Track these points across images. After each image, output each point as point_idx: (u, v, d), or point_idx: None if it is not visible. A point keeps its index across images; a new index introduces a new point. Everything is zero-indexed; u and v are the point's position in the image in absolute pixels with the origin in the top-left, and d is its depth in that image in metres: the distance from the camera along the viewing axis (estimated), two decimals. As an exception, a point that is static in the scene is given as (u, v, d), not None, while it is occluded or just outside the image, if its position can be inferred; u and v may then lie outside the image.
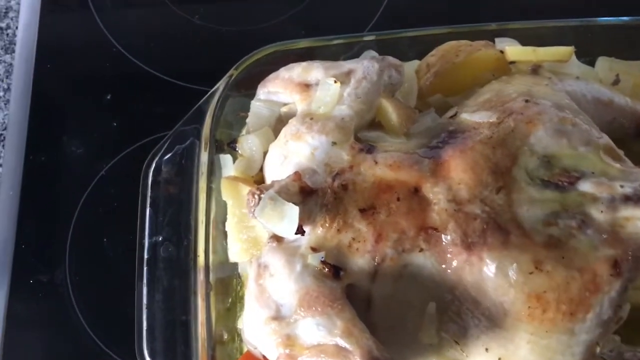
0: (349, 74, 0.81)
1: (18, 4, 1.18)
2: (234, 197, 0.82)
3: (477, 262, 0.68)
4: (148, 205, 0.85)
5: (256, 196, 0.71)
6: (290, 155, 0.77)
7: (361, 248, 0.70)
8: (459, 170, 0.71)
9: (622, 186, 0.70)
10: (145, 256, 0.82)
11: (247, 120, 0.87)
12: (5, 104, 1.10)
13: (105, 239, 0.99)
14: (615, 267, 0.67)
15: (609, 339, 0.71)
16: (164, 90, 1.09)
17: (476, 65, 0.86)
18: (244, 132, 0.88)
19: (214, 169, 0.85)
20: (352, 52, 0.91)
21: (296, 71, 0.84)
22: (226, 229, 0.83)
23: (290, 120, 0.80)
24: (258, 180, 0.83)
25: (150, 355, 0.78)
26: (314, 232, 0.71)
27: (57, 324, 0.95)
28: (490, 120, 0.76)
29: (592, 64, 0.92)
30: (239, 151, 0.85)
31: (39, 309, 0.96)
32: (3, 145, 1.07)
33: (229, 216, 0.82)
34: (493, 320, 0.68)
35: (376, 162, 0.73)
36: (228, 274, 0.84)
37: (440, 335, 0.70)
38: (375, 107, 0.80)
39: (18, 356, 0.94)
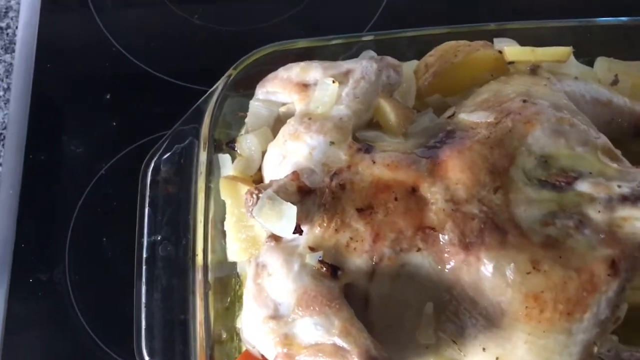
0: (347, 74, 0.81)
1: (18, 3, 1.18)
2: (233, 196, 0.82)
3: (474, 262, 0.68)
4: (147, 204, 0.85)
5: (254, 196, 0.71)
6: (288, 155, 0.77)
7: (359, 248, 0.70)
8: (457, 170, 0.71)
9: (619, 186, 0.70)
10: (144, 255, 0.82)
11: (246, 120, 0.87)
12: (5, 104, 1.10)
13: (104, 238, 0.99)
14: (613, 267, 0.67)
15: (607, 339, 0.72)
16: (163, 90, 1.09)
17: (475, 66, 0.86)
18: (242, 131, 0.88)
19: (212, 169, 0.86)
20: (350, 52, 0.92)
21: (295, 71, 0.84)
22: (225, 228, 0.83)
23: (288, 120, 0.80)
24: (257, 179, 0.83)
25: (149, 354, 0.78)
26: (312, 232, 0.71)
27: (56, 322, 0.95)
28: (488, 120, 0.76)
29: (590, 64, 0.92)
30: (238, 151, 0.85)
31: (39, 307, 0.97)
32: (3, 145, 1.07)
33: (227, 215, 0.83)
34: (490, 320, 0.68)
35: (374, 162, 0.73)
36: (227, 273, 0.84)
37: (438, 335, 0.70)
38: (373, 107, 0.81)
39: (17, 355, 0.94)
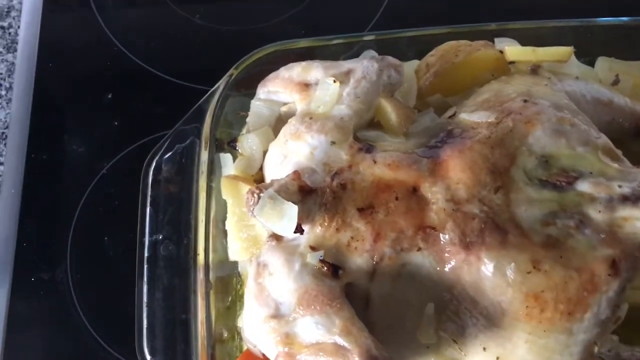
0: (348, 73, 0.82)
1: (20, 3, 1.18)
2: (234, 196, 0.83)
3: (475, 262, 0.68)
4: (148, 203, 0.85)
5: (255, 195, 0.71)
6: (289, 154, 0.77)
7: (360, 247, 0.70)
8: (458, 170, 0.71)
9: (620, 186, 0.70)
10: (146, 255, 0.83)
11: (247, 119, 0.87)
12: (7, 103, 1.11)
13: (106, 238, 1.00)
14: (613, 267, 0.67)
15: (607, 338, 0.72)
16: (164, 90, 1.09)
17: (475, 65, 0.86)
18: (244, 131, 0.88)
19: (214, 168, 0.86)
20: (351, 52, 0.92)
21: (296, 71, 0.85)
22: (226, 227, 0.83)
23: (289, 120, 0.80)
24: (258, 179, 0.83)
25: (151, 354, 0.78)
26: (313, 231, 0.71)
27: (58, 322, 0.95)
28: (489, 120, 0.76)
29: (591, 64, 0.92)
30: (239, 150, 0.85)
31: (40, 307, 0.97)
32: (5, 144, 1.07)
33: (229, 215, 0.83)
34: (491, 320, 0.69)
35: (375, 162, 0.73)
36: (228, 272, 0.84)
37: (438, 335, 0.70)
38: (374, 107, 0.81)
39: (19, 354, 0.94)
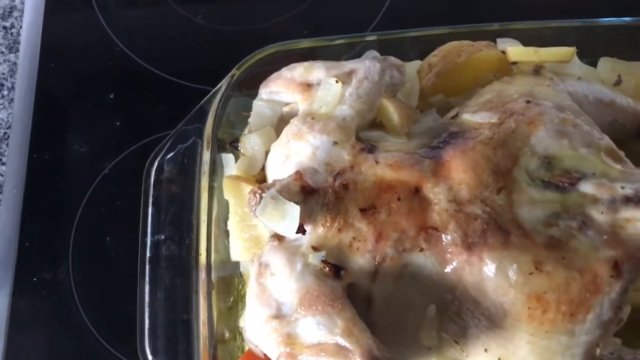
0: (350, 73, 0.82)
1: (22, 3, 1.19)
2: (236, 196, 0.83)
3: (477, 263, 0.68)
4: (150, 204, 0.85)
5: (257, 195, 0.71)
6: (291, 154, 0.77)
7: (362, 247, 0.70)
8: (460, 170, 0.71)
9: (622, 187, 0.70)
10: (148, 255, 0.83)
11: (249, 119, 0.87)
12: (9, 103, 1.11)
13: (108, 238, 1.00)
14: (616, 268, 0.67)
15: (610, 340, 0.71)
16: (166, 90, 1.09)
17: (478, 66, 0.86)
18: (246, 131, 0.88)
19: (216, 168, 0.86)
20: (353, 52, 0.92)
21: (298, 71, 0.85)
22: (228, 227, 0.83)
23: (291, 120, 0.80)
24: (260, 179, 0.84)
25: (152, 354, 0.78)
26: (315, 232, 0.71)
27: (60, 321, 0.95)
28: (491, 121, 0.76)
29: (594, 64, 0.92)
30: (241, 150, 0.85)
31: (42, 306, 0.97)
32: (7, 144, 1.07)
33: (230, 215, 0.83)
34: (493, 321, 0.68)
35: (377, 162, 0.73)
36: (230, 272, 0.84)
37: (440, 336, 0.70)
38: (376, 107, 0.81)
39: (21, 353, 0.94)
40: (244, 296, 0.81)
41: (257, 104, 0.87)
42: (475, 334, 0.69)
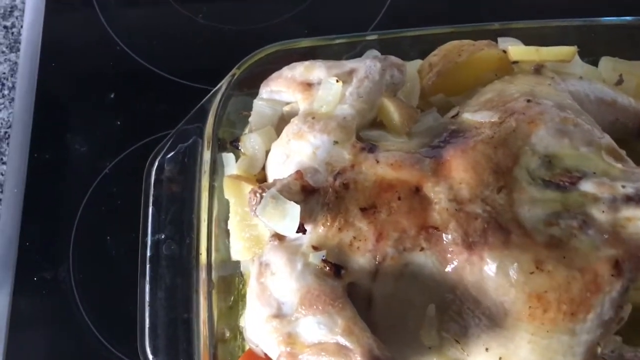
0: (351, 73, 0.81)
1: (23, 2, 1.19)
2: (237, 195, 0.83)
3: (477, 262, 0.68)
4: (151, 203, 0.85)
5: (258, 195, 0.71)
6: (292, 154, 0.77)
7: (362, 247, 0.70)
8: (460, 169, 0.71)
9: (623, 186, 0.70)
10: (148, 254, 0.83)
11: (250, 119, 0.87)
12: (9, 102, 1.11)
13: (108, 237, 1.00)
14: (617, 268, 0.67)
15: (610, 339, 0.71)
16: (167, 89, 1.09)
17: (479, 65, 0.86)
18: (246, 131, 0.88)
19: (216, 168, 0.86)
20: (354, 52, 0.92)
21: (298, 70, 0.85)
22: (228, 227, 0.83)
23: (292, 119, 0.80)
24: (260, 179, 0.84)
25: (153, 353, 0.78)
26: (315, 231, 0.71)
27: (60, 321, 0.96)
28: (492, 120, 0.76)
29: (595, 63, 0.92)
30: (242, 150, 0.85)
31: (43, 306, 0.97)
32: (8, 144, 1.08)
33: (231, 215, 0.83)
34: (493, 320, 0.68)
35: (377, 161, 0.73)
36: (230, 272, 0.84)
37: (441, 335, 0.70)
38: (377, 107, 0.81)
39: (22, 353, 0.94)
40: (244, 296, 0.81)
41: (257, 104, 0.87)
42: (476, 333, 0.69)
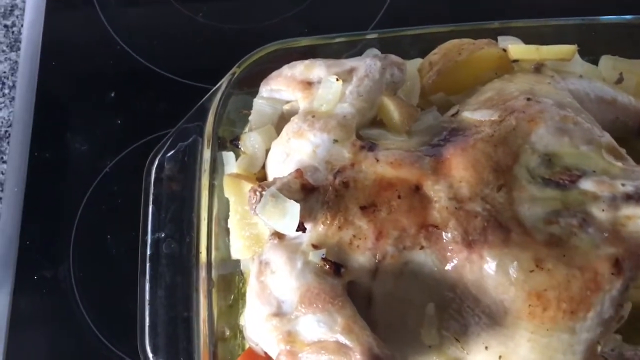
0: (351, 71, 0.81)
1: (23, 2, 1.19)
2: (237, 194, 0.83)
3: (477, 260, 0.68)
4: (151, 202, 0.85)
5: (258, 193, 0.71)
6: (292, 152, 0.77)
7: (362, 245, 0.70)
8: (460, 168, 0.71)
9: (623, 185, 0.70)
10: (148, 253, 0.83)
11: (250, 117, 0.87)
12: (10, 101, 1.11)
13: (108, 236, 1.00)
14: (617, 266, 0.67)
15: (610, 337, 0.71)
16: (167, 88, 1.09)
17: (479, 64, 0.86)
18: (246, 129, 0.88)
19: (216, 166, 0.86)
20: (354, 50, 0.92)
21: (298, 69, 0.85)
22: (228, 226, 0.83)
23: (292, 118, 0.80)
24: (260, 177, 0.84)
25: (153, 351, 0.78)
26: (315, 230, 0.71)
27: (60, 319, 0.96)
28: (492, 119, 0.76)
29: (595, 62, 0.92)
30: (242, 148, 0.85)
31: (43, 304, 0.97)
32: (8, 142, 1.08)
33: (231, 213, 0.83)
34: (493, 318, 0.68)
35: (377, 160, 0.73)
36: (230, 270, 0.84)
37: (441, 334, 0.70)
38: (377, 105, 0.81)
39: (22, 351, 0.94)
40: (244, 294, 0.81)
41: (257, 102, 0.87)
42: (476, 331, 0.69)
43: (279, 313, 0.69)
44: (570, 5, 1.05)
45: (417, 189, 0.71)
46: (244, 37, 1.13)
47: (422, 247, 0.69)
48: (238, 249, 0.81)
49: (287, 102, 0.86)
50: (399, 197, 0.71)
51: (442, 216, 0.69)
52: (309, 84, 0.83)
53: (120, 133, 1.07)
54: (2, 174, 1.05)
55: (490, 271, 0.68)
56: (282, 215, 0.70)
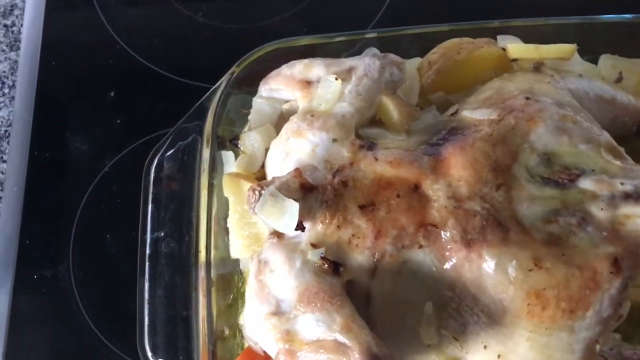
0: (350, 71, 0.81)
1: (23, 1, 1.19)
2: (236, 193, 0.83)
3: (476, 259, 0.68)
4: (150, 201, 0.85)
5: (257, 192, 0.71)
6: (291, 152, 0.77)
7: (361, 244, 0.70)
8: (459, 167, 0.71)
9: (622, 184, 0.70)
10: (147, 252, 0.83)
11: (249, 117, 0.87)
12: (10, 101, 1.11)
13: (108, 235, 1.00)
14: (615, 265, 0.67)
15: (609, 337, 0.71)
16: (166, 87, 1.09)
17: (478, 63, 0.86)
18: (245, 129, 0.88)
19: (215, 166, 0.86)
20: (353, 50, 0.92)
21: (298, 68, 0.85)
22: (228, 225, 0.83)
23: (291, 117, 0.80)
24: (259, 176, 0.84)
25: (152, 351, 0.78)
26: (314, 229, 0.71)
27: (60, 319, 0.96)
28: (491, 118, 0.76)
29: (594, 61, 0.92)
30: (241, 148, 0.85)
31: (43, 304, 0.97)
32: (8, 142, 1.08)
33: (230, 212, 0.83)
34: (492, 317, 0.68)
35: (376, 159, 0.73)
36: (229, 270, 0.85)
37: (440, 333, 0.70)
38: (376, 104, 0.81)
39: (22, 350, 0.94)
40: (243, 293, 0.81)
41: (256, 102, 0.87)
42: (475, 330, 0.69)
43: (278, 312, 0.69)
44: (570, 5, 1.05)
45: (416, 188, 0.71)
46: (243, 36, 1.13)
47: (421, 246, 0.69)
48: (237, 248, 0.81)
49: (287, 101, 0.86)
50: (398, 196, 0.71)
51: (441, 215, 0.69)
52: (308, 83, 0.83)
53: (120, 133, 1.07)
54: (2, 173, 1.05)
55: (489, 270, 0.68)
56: (281, 214, 0.70)
